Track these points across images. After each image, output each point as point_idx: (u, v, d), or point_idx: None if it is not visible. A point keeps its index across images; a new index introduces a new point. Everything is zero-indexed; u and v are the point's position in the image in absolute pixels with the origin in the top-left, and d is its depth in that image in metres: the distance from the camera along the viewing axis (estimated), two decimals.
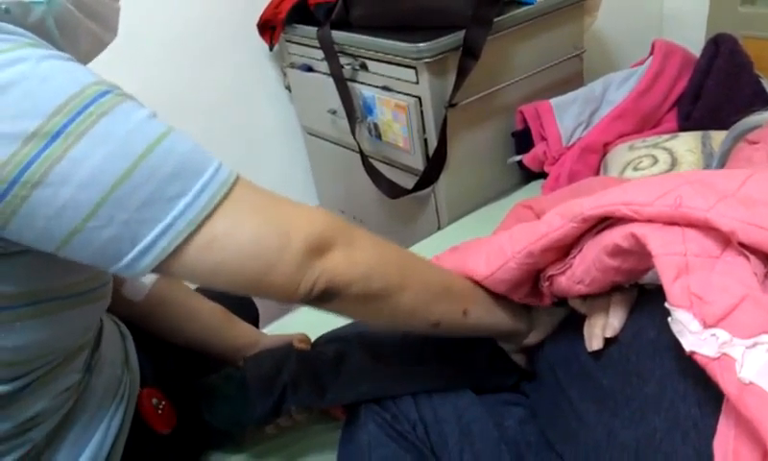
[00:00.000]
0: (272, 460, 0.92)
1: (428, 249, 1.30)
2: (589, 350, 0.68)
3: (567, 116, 1.49)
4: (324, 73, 1.63)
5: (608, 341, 0.67)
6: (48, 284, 0.62)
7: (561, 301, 0.77)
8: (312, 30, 1.60)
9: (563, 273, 0.70)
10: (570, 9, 1.57)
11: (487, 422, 0.79)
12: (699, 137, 1.31)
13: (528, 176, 1.59)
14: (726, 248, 0.56)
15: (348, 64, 1.55)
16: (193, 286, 0.95)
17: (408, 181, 1.53)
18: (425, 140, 1.48)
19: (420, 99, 1.43)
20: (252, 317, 1.09)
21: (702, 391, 0.55)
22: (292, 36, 1.75)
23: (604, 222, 0.66)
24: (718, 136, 1.25)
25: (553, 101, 1.50)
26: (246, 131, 1.92)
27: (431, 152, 1.46)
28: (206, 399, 0.88)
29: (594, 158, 1.47)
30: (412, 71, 1.41)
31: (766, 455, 0.45)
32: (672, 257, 0.56)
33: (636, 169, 1.30)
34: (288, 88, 1.90)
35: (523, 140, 1.56)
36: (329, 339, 0.90)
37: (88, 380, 0.73)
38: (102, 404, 0.74)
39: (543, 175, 1.52)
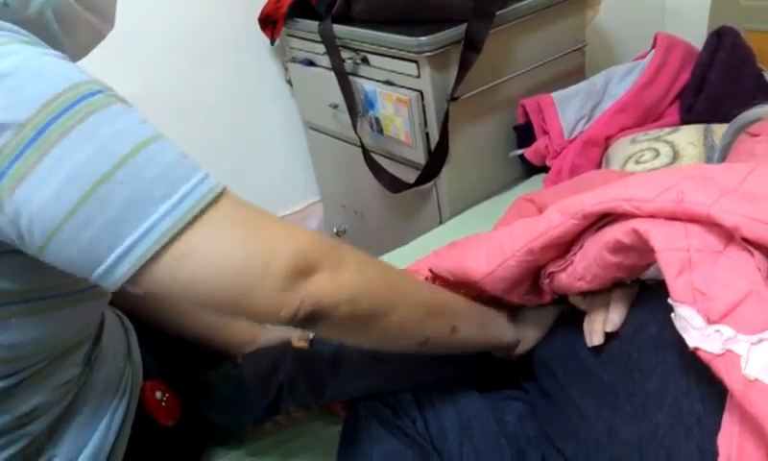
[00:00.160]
0: (273, 456, 0.93)
1: (430, 243, 1.30)
2: (590, 345, 0.68)
3: (569, 110, 1.49)
4: (326, 67, 1.62)
5: (608, 337, 0.67)
6: (43, 282, 0.61)
7: (555, 300, 0.77)
8: (313, 24, 1.60)
9: (563, 270, 0.70)
10: (572, 2, 1.56)
11: (487, 417, 0.79)
12: (701, 130, 1.31)
13: (530, 170, 1.59)
14: (728, 243, 0.56)
15: (350, 58, 1.54)
16: None
17: (410, 176, 1.53)
18: (427, 134, 1.47)
19: (421, 93, 1.42)
20: None
21: (705, 387, 0.55)
22: (293, 31, 1.74)
23: (605, 218, 0.66)
24: (720, 129, 1.25)
25: (555, 94, 1.50)
26: (247, 126, 1.91)
27: (433, 146, 1.46)
28: (204, 396, 0.88)
29: (596, 152, 1.46)
30: (413, 65, 1.41)
31: None
32: (675, 253, 0.56)
33: (637, 162, 1.30)
34: (289, 83, 1.90)
35: (525, 134, 1.56)
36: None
37: (89, 374, 0.73)
38: (104, 398, 0.74)
39: (545, 169, 1.52)
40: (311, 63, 1.72)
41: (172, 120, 1.78)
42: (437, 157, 1.46)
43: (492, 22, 1.37)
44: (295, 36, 1.76)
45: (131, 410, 0.77)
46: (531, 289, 0.76)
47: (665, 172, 0.65)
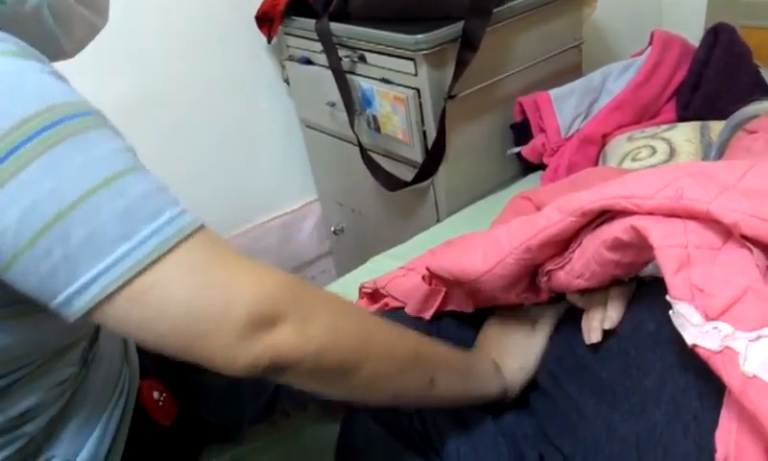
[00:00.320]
0: (270, 455, 0.92)
1: (427, 241, 1.30)
2: (588, 342, 0.68)
3: (566, 107, 1.49)
4: (323, 65, 1.62)
5: (606, 334, 0.67)
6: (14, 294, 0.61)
7: (551, 300, 0.77)
8: (310, 22, 1.60)
9: (561, 268, 0.69)
10: None
11: (484, 415, 0.78)
12: (698, 127, 1.31)
13: (527, 167, 1.59)
14: (727, 240, 0.56)
15: (347, 57, 1.54)
16: None
17: (407, 174, 1.53)
18: (424, 132, 1.47)
19: (418, 91, 1.42)
20: None
21: (703, 384, 0.55)
22: (290, 29, 1.74)
23: (603, 215, 0.66)
24: (717, 126, 1.25)
25: (552, 92, 1.50)
26: (244, 124, 1.91)
27: (430, 144, 1.46)
28: (201, 396, 0.88)
29: (593, 150, 1.47)
30: (410, 63, 1.41)
31: None
32: (673, 249, 0.56)
33: (634, 160, 1.30)
34: (287, 81, 1.89)
35: (522, 132, 1.56)
36: None
37: (86, 374, 0.73)
38: (101, 397, 0.74)
39: (542, 166, 1.52)
40: (308, 61, 1.72)
41: (168, 118, 1.80)
42: (434, 156, 1.46)
43: (489, 20, 1.37)
44: (292, 35, 1.76)
45: (128, 410, 0.77)
46: (528, 287, 0.76)
47: (664, 169, 0.65)
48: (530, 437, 0.76)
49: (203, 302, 0.52)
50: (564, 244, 0.70)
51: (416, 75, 1.41)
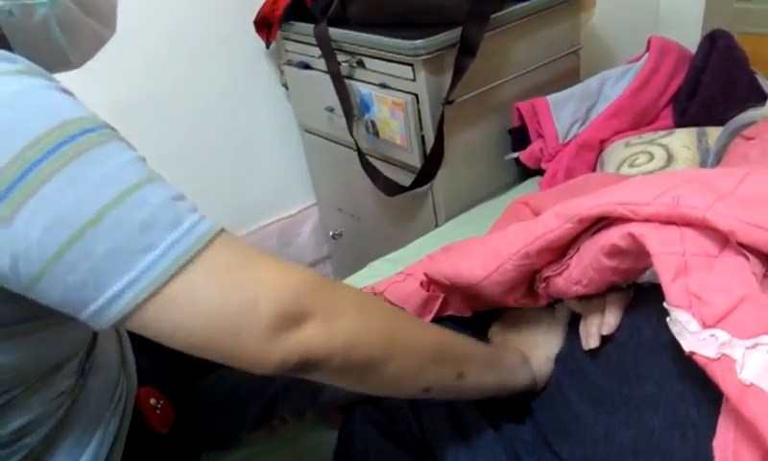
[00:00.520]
0: None
1: (425, 246, 1.30)
2: (586, 348, 0.68)
3: (564, 113, 1.49)
4: (322, 70, 1.62)
5: (604, 340, 0.67)
6: (36, 306, 0.60)
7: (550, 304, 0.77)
8: (309, 27, 1.60)
9: (559, 274, 0.70)
10: (567, 5, 1.56)
11: (482, 421, 0.78)
12: (695, 134, 1.32)
13: (525, 173, 1.59)
14: (724, 247, 0.56)
15: (346, 62, 1.54)
16: None
17: (405, 179, 1.53)
18: (422, 137, 1.47)
19: (417, 96, 1.42)
20: None
21: (700, 391, 0.55)
22: (289, 34, 1.74)
23: (601, 222, 0.66)
24: (714, 132, 1.25)
25: (550, 98, 1.50)
26: (243, 129, 1.91)
27: (428, 149, 1.46)
28: (199, 402, 0.88)
29: (591, 155, 1.47)
30: (409, 68, 1.41)
31: (767, 456, 0.45)
32: (671, 257, 0.56)
33: (632, 166, 1.30)
34: (285, 86, 1.90)
35: (520, 137, 1.56)
36: None
37: (84, 384, 0.73)
38: (99, 406, 0.74)
39: (540, 172, 1.52)
40: (307, 66, 1.72)
41: (167, 124, 1.80)
42: (432, 161, 1.46)
43: (487, 25, 1.37)
44: (290, 39, 1.76)
45: (126, 417, 0.77)
46: (526, 293, 0.76)
47: (661, 176, 0.65)
48: (528, 443, 0.76)
49: (230, 301, 0.53)
50: (561, 250, 0.70)
51: (414, 80, 1.41)
